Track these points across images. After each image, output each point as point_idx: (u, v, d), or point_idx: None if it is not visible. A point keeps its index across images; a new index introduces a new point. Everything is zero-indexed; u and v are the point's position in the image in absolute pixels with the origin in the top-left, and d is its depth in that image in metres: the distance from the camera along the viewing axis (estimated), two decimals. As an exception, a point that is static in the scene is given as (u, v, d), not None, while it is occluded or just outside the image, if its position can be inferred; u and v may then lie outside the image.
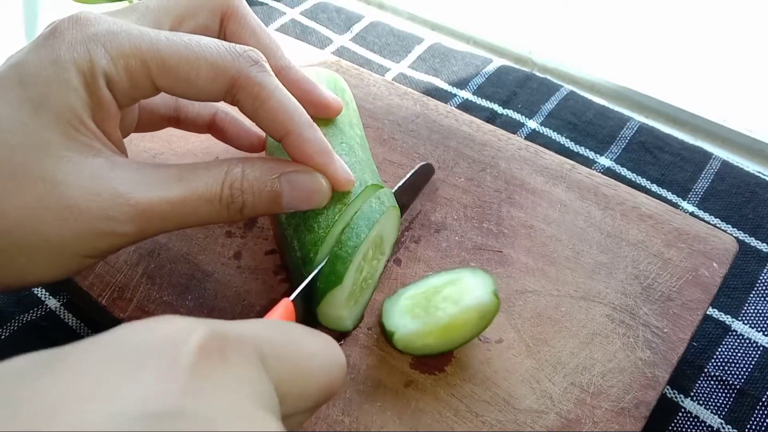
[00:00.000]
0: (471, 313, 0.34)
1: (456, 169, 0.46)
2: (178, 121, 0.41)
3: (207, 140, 0.46)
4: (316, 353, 0.23)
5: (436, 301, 0.36)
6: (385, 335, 0.37)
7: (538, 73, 0.62)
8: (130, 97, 0.31)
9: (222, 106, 0.42)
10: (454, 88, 0.60)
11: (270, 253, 0.41)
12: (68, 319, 0.45)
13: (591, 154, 0.54)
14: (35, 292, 0.47)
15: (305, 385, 0.22)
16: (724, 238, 0.41)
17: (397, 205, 0.38)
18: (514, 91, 0.59)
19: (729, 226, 0.49)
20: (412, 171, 0.42)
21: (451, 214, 0.43)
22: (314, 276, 0.35)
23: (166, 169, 0.31)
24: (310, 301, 0.35)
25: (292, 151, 0.33)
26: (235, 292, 0.39)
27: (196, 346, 0.18)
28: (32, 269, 0.30)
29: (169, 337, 0.18)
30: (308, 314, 0.35)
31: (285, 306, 0.31)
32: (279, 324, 0.24)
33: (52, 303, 0.46)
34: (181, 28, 0.35)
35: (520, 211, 0.43)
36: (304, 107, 0.33)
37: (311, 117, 0.35)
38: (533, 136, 0.56)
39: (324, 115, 0.38)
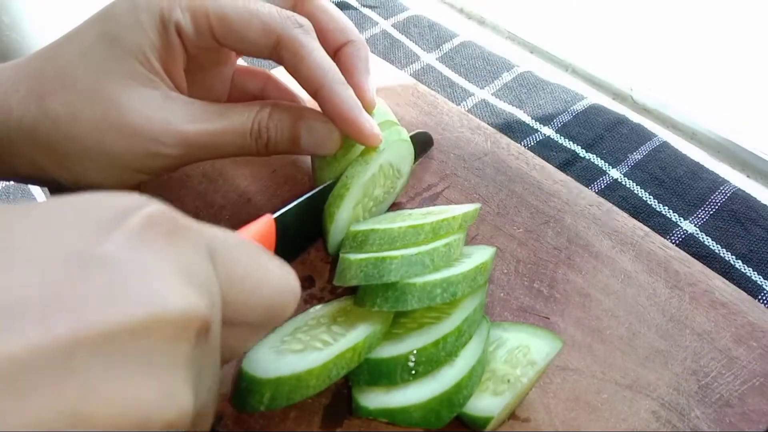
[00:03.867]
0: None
1: (516, 218, 0.43)
2: None
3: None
4: (271, 269, 0.24)
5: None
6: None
7: (632, 118, 0.58)
8: (193, 44, 0.36)
9: (305, 95, 0.43)
10: (537, 123, 0.56)
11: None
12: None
13: (674, 216, 0.49)
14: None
15: (254, 295, 0.23)
16: (806, 344, 0.36)
17: (408, 138, 0.41)
18: (601, 135, 0.55)
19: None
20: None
21: (500, 267, 0.40)
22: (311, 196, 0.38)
23: (211, 105, 0.36)
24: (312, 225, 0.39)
25: (324, 105, 0.36)
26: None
27: (146, 215, 0.19)
28: (95, 173, 0.35)
29: (125, 205, 0.19)
30: (297, 236, 0.39)
31: (265, 222, 0.33)
32: (244, 239, 0.24)
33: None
34: None
35: (578, 275, 0.40)
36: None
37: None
38: (613, 187, 0.51)
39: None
